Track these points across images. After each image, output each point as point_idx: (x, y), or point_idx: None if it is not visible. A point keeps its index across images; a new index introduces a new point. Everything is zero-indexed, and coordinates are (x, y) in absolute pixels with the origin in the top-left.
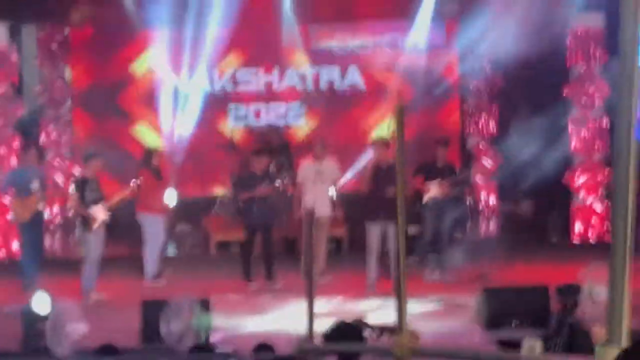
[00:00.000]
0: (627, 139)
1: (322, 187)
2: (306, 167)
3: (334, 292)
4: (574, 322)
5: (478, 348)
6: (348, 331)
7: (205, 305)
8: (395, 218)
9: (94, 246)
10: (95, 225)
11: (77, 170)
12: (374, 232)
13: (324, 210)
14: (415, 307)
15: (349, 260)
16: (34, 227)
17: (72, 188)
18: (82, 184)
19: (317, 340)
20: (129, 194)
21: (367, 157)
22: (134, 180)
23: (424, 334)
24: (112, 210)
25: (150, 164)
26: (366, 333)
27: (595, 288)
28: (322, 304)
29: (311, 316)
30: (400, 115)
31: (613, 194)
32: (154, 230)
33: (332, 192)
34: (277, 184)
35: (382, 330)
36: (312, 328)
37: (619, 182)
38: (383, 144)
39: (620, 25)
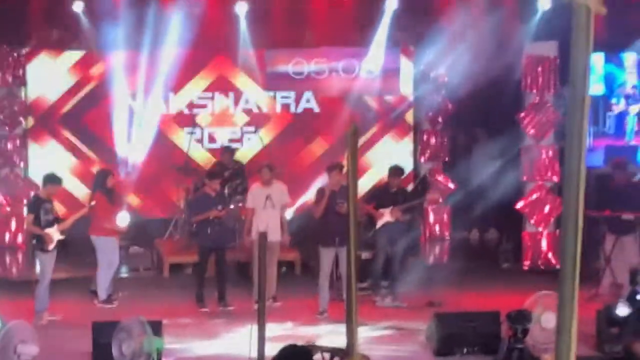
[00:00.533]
0: (577, 165)
1: (271, 212)
2: (255, 192)
3: (286, 317)
4: (523, 348)
5: None
6: (298, 354)
7: (157, 328)
8: (343, 243)
9: (48, 267)
10: (51, 246)
11: (32, 191)
12: (327, 256)
13: (273, 235)
14: (368, 332)
15: (300, 285)
16: None
17: (27, 208)
18: (37, 205)
19: None
20: (82, 215)
21: (321, 181)
22: (88, 203)
23: (375, 359)
24: (65, 232)
25: (103, 186)
26: (317, 356)
27: (544, 315)
28: (273, 328)
29: (262, 340)
30: (354, 137)
31: (562, 220)
32: (107, 252)
33: (280, 216)
34: (231, 207)
35: (333, 353)
36: (263, 352)
37: (568, 208)
38: (337, 168)
39: (572, 54)
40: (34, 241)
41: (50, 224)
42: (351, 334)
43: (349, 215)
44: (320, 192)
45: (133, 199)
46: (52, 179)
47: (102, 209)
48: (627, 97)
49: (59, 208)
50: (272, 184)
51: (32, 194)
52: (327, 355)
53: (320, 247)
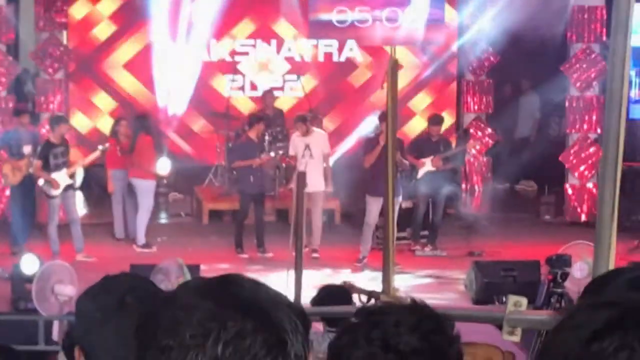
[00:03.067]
0: (616, 117)
1: (310, 162)
2: (295, 141)
3: (326, 265)
4: (563, 293)
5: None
6: (337, 294)
7: (195, 271)
8: (374, 192)
9: (54, 211)
10: (56, 192)
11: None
12: (375, 205)
13: (314, 185)
14: (407, 280)
15: (340, 234)
16: (24, 191)
17: (37, 154)
18: (46, 150)
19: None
20: (94, 160)
21: (364, 131)
22: (100, 145)
23: None
24: (75, 176)
25: (146, 129)
26: (355, 297)
27: (575, 264)
28: (313, 275)
29: (299, 285)
30: (394, 70)
31: (601, 172)
32: (148, 196)
33: (324, 165)
34: (272, 154)
35: (371, 295)
36: (300, 294)
37: (607, 160)
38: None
39: (614, 3)
40: (44, 185)
41: (59, 168)
42: (387, 277)
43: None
44: (372, 141)
45: (173, 145)
46: (58, 120)
47: (146, 152)
48: None
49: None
50: (311, 133)
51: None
52: (364, 297)
53: (367, 196)
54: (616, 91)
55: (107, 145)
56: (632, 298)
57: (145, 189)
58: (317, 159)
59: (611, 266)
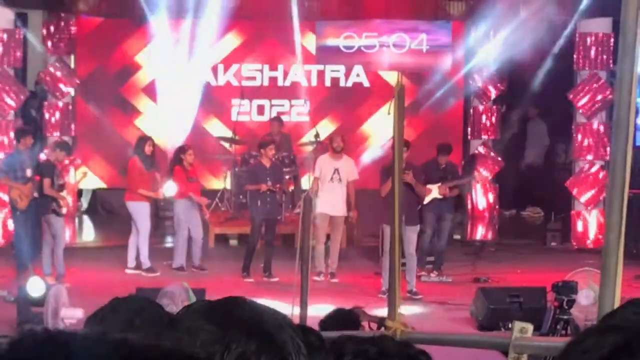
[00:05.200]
0: (623, 144)
1: (337, 186)
2: (324, 163)
3: (332, 292)
4: (569, 319)
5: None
6: (346, 318)
7: (200, 295)
8: (409, 221)
9: (62, 230)
10: (65, 210)
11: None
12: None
13: (338, 209)
14: (412, 306)
15: (348, 260)
16: (29, 215)
17: (42, 173)
18: (51, 169)
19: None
20: (80, 181)
21: (371, 156)
22: (81, 170)
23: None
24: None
25: (141, 152)
26: (364, 322)
27: (582, 291)
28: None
29: (304, 308)
30: (401, 95)
31: (608, 198)
32: (142, 218)
33: (348, 192)
34: (287, 177)
35: (382, 321)
36: (305, 320)
37: (614, 186)
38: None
39: (620, 30)
40: (54, 204)
41: (60, 189)
42: (393, 303)
43: (414, 192)
44: (387, 170)
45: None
46: (63, 146)
47: (136, 175)
48: None
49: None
50: (341, 157)
51: (41, 158)
52: (373, 324)
53: (384, 226)
54: (623, 118)
55: (85, 169)
56: (638, 322)
57: (137, 211)
58: (343, 184)
59: (617, 293)
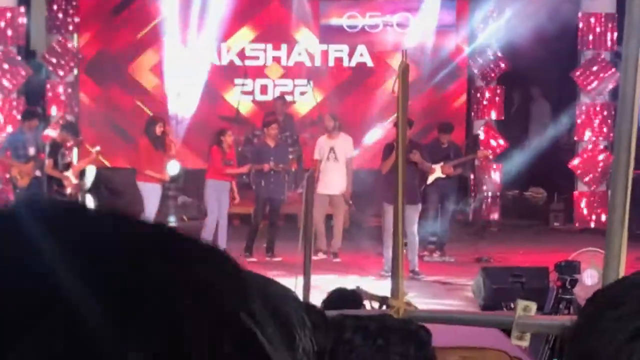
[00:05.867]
0: (628, 123)
1: (334, 165)
2: (321, 143)
3: (336, 270)
4: (572, 299)
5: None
6: (348, 298)
7: None
8: (411, 200)
9: None
10: (69, 190)
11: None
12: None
13: (336, 188)
14: (415, 285)
15: (349, 238)
16: (31, 193)
17: (47, 153)
18: (55, 149)
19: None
20: (92, 160)
21: (375, 136)
22: (96, 147)
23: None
24: (82, 178)
25: (151, 133)
26: (366, 301)
27: (586, 271)
28: (327, 280)
29: (307, 289)
30: (405, 75)
31: (612, 178)
32: (150, 199)
33: (347, 169)
34: (290, 157)
35: (383, 300)
36: (308, 297)
37: (618, 166)
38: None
39: (627, 6)
40: (53, 183)
41: (66, 168)
42: (397, 282)
43: (418, 170)
44: (389, 147)
45: (183, 148)
46: (70, 128)
47: (146, 156)
48: None
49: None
50: (337, 136)
51: (47, 137)
52: (375, 304)
53: (385, 205)
54: (628, 97)
55: (98, 148)
56: None
57: (148, 192)
58: (341, 162)
59: (621, 273)
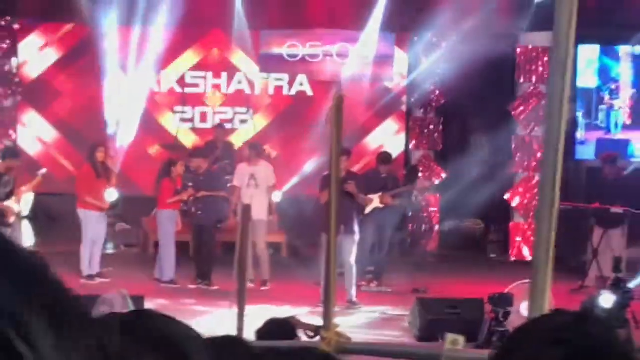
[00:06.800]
0: (553, 157)
1: (255, 192)
2: (241, 170)
3: (272, 299)
4: (505, 331)
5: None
6: (282, 328)
7: (139, 303)
8: (348, 231)
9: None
10: (12, 219)
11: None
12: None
13: (258, 213)
14: (351, 316)
15: (287, 267)
16: None
17: None
18: None
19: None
20: (35, 186)
21: (313, 165)
22: (39, 171)
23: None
24: (26, 205)
25: (93, 159)
26: (300, 332)
27: (523, 303)
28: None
29: (241, 318)
30: (338, 108)
31: (538, 212)
32: (89, 227)
33: (269, 197)
34: (225, 184)
35: (317, 329)
36: (242, 327)
37: (544, 200)
38: (344, 154)
39: (553, 41)
40: None
41: (8, 197)
42: (328, 313)
43: (355, 201)
44: (328, 178)
45: (121, 176)
46: (11, 153)
47: (87, 182)
48: (611, 92)
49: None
50: (258, 164)
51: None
52: (310, 332)
53: (323, 235)
54: (554, 132)
55: (44, 170)
56: (583, 336)
57: (86, 219)
58: (262, 190)
59: (546, 307)
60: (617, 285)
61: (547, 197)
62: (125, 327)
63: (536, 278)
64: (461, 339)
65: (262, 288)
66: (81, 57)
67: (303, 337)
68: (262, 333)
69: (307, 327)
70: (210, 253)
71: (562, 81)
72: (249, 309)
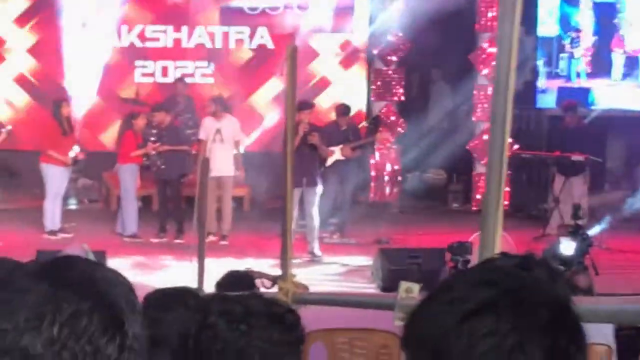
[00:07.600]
0: (502, 106)
1: (220, 147)
2: (206, 125)
3: (234, 252)
4: None
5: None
6: (241, 280)
7: (100, 258)
8: (310, 183)
9: None
10: None
11: None
12: (294, 196)
13: (223, 170)
14: (314, 267)
15: (248, 220)
16: None
17: None
18: None
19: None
20: (2, 141)
21: (274, 118)
22: (3, 128)
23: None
24: None
25: (58, 115)
26: (258, 282)
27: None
28: (222, 263)
29: (201, 272)
30: (292, 59)
31: (488, 160)
32: (54, 182)
33: (234, 151)
34: (192, 139)
35: (275, 279)
36: (202, 280)
37: (493, 148)
38: (308, 107)
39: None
40: None
41: None
42: (285, 263)
43: (317, 152)
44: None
45: (83, 131)
46: None
47: (53, 138)
48: (572, 40)
49: None
50: (223, 118)
51: None
52: (267, 282)
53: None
54: (502, 80)
55: (8, 127)
56: (511, 278)
57: (51, 174)
58: (228, 144)
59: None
60: (576, 232)
61: (496, 145)
62: (48, 274)
63: (486, 225)
64: (416, 287)
65: (222, 242)
66: (40, 12)
67: (261, 288)
68: (221, 285)
69: (265, 276)
70: (178, 207)
71: (510, 29)
72: (211, 262)
